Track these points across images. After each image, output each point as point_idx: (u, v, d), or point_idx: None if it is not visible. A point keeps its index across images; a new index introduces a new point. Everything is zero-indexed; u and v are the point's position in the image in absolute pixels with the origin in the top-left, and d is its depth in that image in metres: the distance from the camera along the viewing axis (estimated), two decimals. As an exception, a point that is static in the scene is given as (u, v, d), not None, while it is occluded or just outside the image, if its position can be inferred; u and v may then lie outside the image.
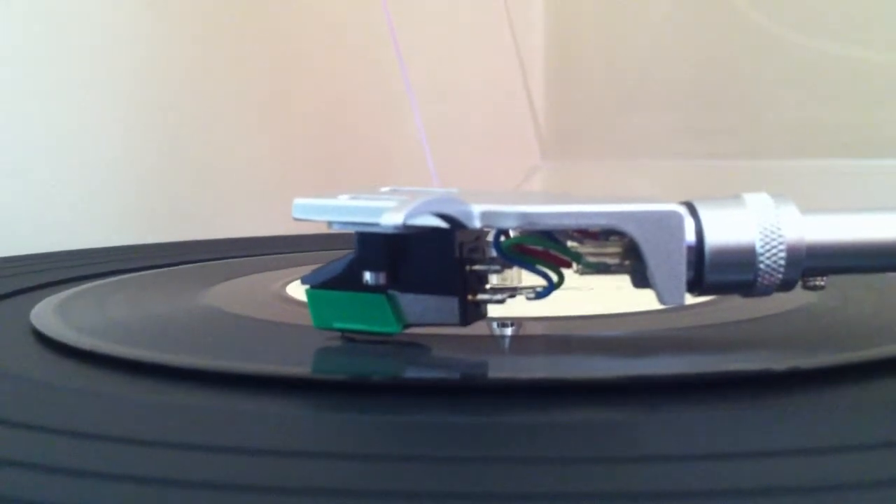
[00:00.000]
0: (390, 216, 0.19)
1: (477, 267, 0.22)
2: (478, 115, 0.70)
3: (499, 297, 0.22)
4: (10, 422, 0.18)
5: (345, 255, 0.23)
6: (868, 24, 0.51)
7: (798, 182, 0.51)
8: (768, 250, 0.21)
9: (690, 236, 0.21)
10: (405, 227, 0.19)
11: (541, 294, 0.22)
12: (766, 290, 0.21)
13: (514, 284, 0.25)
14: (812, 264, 0.21)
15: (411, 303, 0.22)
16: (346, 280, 0.22)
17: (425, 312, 0.22)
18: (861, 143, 0.51)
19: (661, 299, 0.21)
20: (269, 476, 0.15)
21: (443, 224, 0.20)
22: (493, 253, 0.22)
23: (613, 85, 0.67)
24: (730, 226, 0.21)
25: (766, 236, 0.21)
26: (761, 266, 0.21)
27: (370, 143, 0.64)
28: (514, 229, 0.21)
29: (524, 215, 0.20)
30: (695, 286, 0.21)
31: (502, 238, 0.22)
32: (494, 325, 0.25)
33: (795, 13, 0.54)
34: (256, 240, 0.54)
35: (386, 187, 0.23)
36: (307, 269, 0.23)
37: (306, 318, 0.23)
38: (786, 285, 0.21)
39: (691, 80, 0.61)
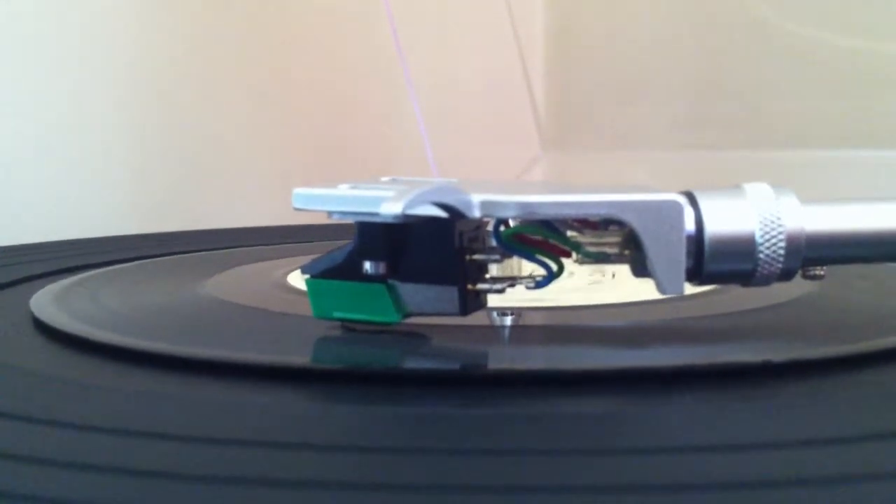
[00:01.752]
0: (390, 206, 0.19)
1: (477, 256, 0.22)
2: (478, 107, 0.69)
3: (498, 286, 0.22)
4: (9, 411, 0.18)
5: (345, 244, 0.23)
6: (868, 14, 0.51)
7: (798, 172, 0.51)
8: (768, 240, 0.21)
9: (690, 226, 0.21)
10: (405, 216, 0.19)
11: (540, 283, 0.22)
12: (766, 280, 0.21)
13: (514, 274, 0.25)
14: (812, 254, 0.21)
15: (411, 292, 0.22)
16: (346, 270, 0.23)
17: (425, 302, 0.22)
18: (861, 134, 0.51)
19: (660, 289, 0.21)
20: (266, 467, 0.15)
21: (442, 214, 0.20)
22: (493, 242, 0.22)
23: (613, 76, 0.67)
24: (730, 215, 0.21)
25: (766, 226, 0.21)
26: (761, 256, 0.21)
27: (370, 134, 0.64)
28: (513, 219, 0.21)
29: (524, 205, 0.20)
30: (694, 275, 0.21)
31: (502, 228, 0.22)
32: (494, 314, 0.25)
33: (796, 4, 0.54)
34: (257, 230, 0.53)
35: (386, 177, 0.23)
36: (307, 259, 0.23)
37: (306, 308, 0.24)
38: (785, 275, 0.21)
39: (691, 71, 0.61)
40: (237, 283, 0.33)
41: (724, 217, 0.21)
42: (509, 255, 0.22)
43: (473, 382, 0.20)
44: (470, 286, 0.22)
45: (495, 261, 0.22)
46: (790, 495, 0.14)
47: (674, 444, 0.16)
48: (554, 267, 0.22)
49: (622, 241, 0.21)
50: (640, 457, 0.15)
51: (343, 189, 0.21)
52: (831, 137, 0.52)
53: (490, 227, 0.22)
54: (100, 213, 0.53)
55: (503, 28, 0.70)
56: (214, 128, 0.58)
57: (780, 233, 0.21)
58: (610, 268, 0.30)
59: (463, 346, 0.23)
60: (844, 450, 0.16)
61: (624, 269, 0.22)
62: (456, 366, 0.22)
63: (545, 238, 0.22)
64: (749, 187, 0.21)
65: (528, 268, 0.23)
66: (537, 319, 0.26)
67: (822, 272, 0.22)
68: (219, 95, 0.58)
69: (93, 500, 0.14)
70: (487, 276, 0.23)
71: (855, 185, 0.49)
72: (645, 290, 0.22)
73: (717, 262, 0.21)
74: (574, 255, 0.22)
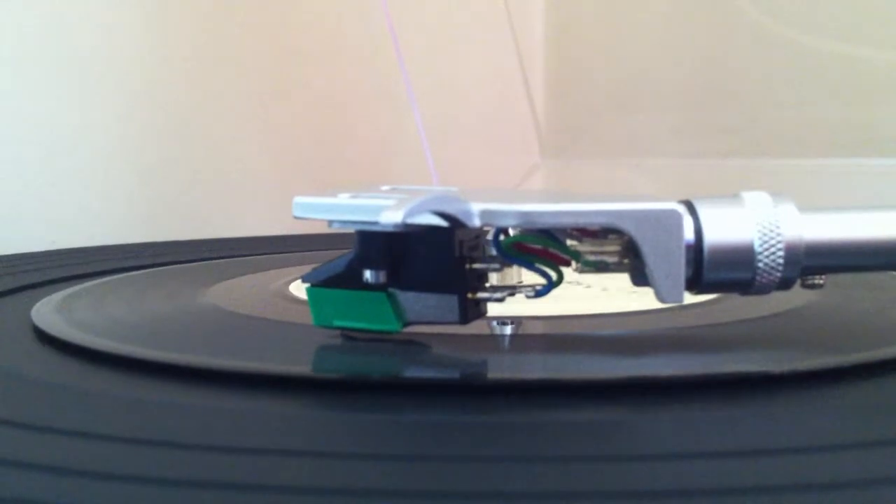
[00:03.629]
0: (390, 214, 0.19)
1: (477, 265, 0.22)
2: (478, 114, 0.70)
3: (498, 295, 0.22)
4: (10, 419, 0.18)
5: (345, 253, 0.23)
6: (867, 22, 0.51)
7: (797, 181, 0.51)
8: (767, 249, 0.21)
9: (689, 235, 0.21)
10: (405, 225, 0.19)
11: (540, 292, 0.22)
12: (765, 289, 0.21)
13: (514, 283, 0.25)
14: (811, 263, 0.21)
15: (411, 301, 0.22)
16: (346, 278, 0.23)
17: (425, 311, 0.22)
18: (860, 142, 0.51)
19: (659, 298, 0.21)
20: (268, 475, 0.15)
21: (442, 223, 0.20)
22: (493, 251, 0.22)
23: (613, 83, 0.67)
24: (728, 224, 0.21)
25: (765, 235, 0.21)
26: (760, 265, 0.21)
27: (370, 141, 0.64)
28: (513, 228, 0.22)
29: (523, 214, 0.20)
30: (693, 284, 0.21)
31: (502, 236, 0.22)
32: (494, 323, 0.25)
33: (795, 11, 0.54)
34: (257, 239, 0.54)
35: (386, 186, 0.23)
36: (308, 268, 0.24)
37: (307, 317, 0.24)
38: (784, 284, 0.21)
39: (690, 79, 0.61)
40: (238, 292, 0.33)
41: (723, 226, 0.21)
42: (509, 264, 0.22)
43: (473, 391, 0.20)
44: (470, 295, 0.22)
45: (495, 269, 0.22)
46: (789, 503, 0.14)
47: (673, 452, 0.16)
48: (553, 275, 0.22)
49: (621, 249, 0.21)
50: (638, 465, 0.15)
51: (343, 198, 0.21)
52: (830, 146, 0.52)
53: (490, 236, 0.22)
54: (100, 223, 0.54)
55: (503, 36, 0.70)
56: (215, 137, 0.59)
57: (779, 241, 0.21)
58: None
59: (463, 354, 0.23)
60: (844, 458, 0.16)
61: (623, 279, 0.22)
62: (456, 374, 0.22)
63: (545, 247, 0.22)
64: (748, 196, 0.21)
65: (528, 276, 0.23)
66: (537, 328, 0.26)
67: (821, 281, 0.22)
68: (220, 105, 0.59)
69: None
70: (487, 284, 0.23)
71: (854, 193, 0.49)
72: (644, 299, 0.22)
73: (716, 270, 0.21)
74: (573, 263, 0.22)
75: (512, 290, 0.23)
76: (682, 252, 0.20)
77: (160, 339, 0.25)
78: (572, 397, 0.19)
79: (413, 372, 0.22)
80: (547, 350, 0.24)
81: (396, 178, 0.25)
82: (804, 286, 0.22)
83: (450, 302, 0.22)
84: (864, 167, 0.50)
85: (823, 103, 0.53)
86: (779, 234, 0.21)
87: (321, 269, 0.23)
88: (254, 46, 0.60)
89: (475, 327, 0.23)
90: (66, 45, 0.52)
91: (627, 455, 0.16)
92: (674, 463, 0.15)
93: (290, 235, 0.53)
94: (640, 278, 0.21)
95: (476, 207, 0.20)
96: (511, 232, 0.22)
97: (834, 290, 0.26)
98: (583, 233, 0.22)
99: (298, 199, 0.21)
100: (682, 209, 0.21)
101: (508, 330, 0.25)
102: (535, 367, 0.23)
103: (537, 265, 0.22)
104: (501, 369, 0.22)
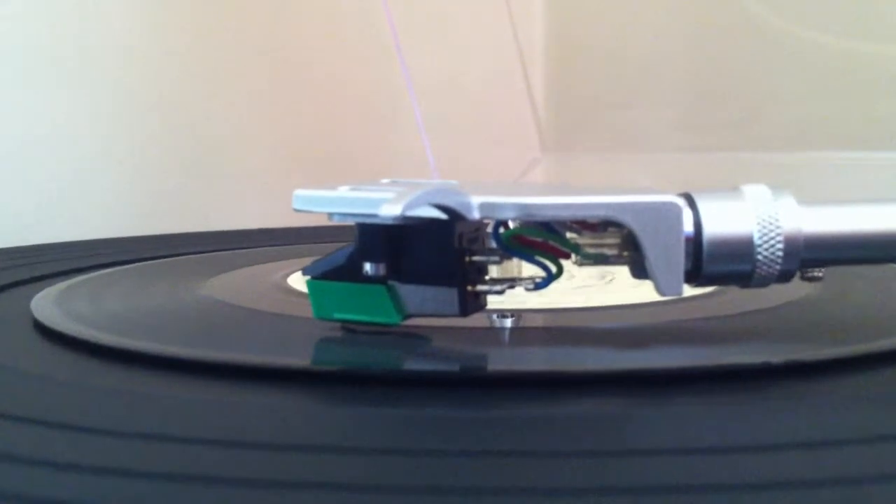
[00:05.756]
0: (389, 207, 0.19)
1: (476, 258, 0.22)
2: (478, 108, 0.70)
3: (498, 288, 0.22)
4: (9, 413, 0.18)
5: (345, 246, 0.23)
6: (868, 16, 0.51)
7: (796, 174, 0.51)
8: (766, 241, 0.21)
9: (689, 227, 0.21)
10: (404, 218, 0.19)
11: (540, 285, 0.22)
12: (764, 282, 0.21)
13: (514, 275, 0.25)
14: (810, 255, 0.21)
15: (411, 294, 0.22)
16: (346, 271, 0.23)
17: (425, 303, 0.22)
18: (859, 136, 0.51)
19: (659, 290, 0.21)
20: (267, 469, 0.15)
21: (442, 215, 0.20)
22: (493, 244, 0.22)
23: (613, 78, 0.67)
24: (728, 217, 0.21)
25: (764, 227, 0.21)
26: (759, 257, 0.21)
27: (370, 136, 0.64)
28: (513, 220, 0.22)
29: (523, 206, 0.20)
30: (693, 277, 0.21)
31: (501, 229, 0.22)
32: (494, 316, 0.25)
33: (796, 6, 0.54)
34: (257, 231, 0.54)
35: (386, 179, 0.23)
36: (308, 261, 0.24)
37: (307, 309, 0.24)
38: (784, 276, 0.21)
39: (691, 73, 0.61)
40: (238, 284, 0.33)
41: (723, 218, 0.21)
42: (509, 257, 0.22)
43: (473, 384, 0.20)
44: (470, 287, 0.22)
45: (495, 262, 0.22)
46: (788, 496, 0.14)
47: (673, 445, 0.16)
48: (553, 268, 0.22)
49: (621, 242, 0.21)
50: (638, 458, 0.15)
51: (343, 191, 0.21)
52: (829, 139, 0.52)
53: (490, 229, 0.22)
54: (100, 216, 0.54)
55: (503, 30, 0.70)
56: (214, 129, 0.58)
57: (778, 234, 0.21)
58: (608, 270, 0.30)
59: (463, 347, 0.23)
60: (844, 451, 0.16)
61: (623, 271, 0.22)
62: (455, 367, 0.22)
63: (544, 239, 0.22)
64: (747, 189, 0.21)
65: (528, 269, 0.23)
66: (537, 321, 0.26)
67: (820, 274, 0.22)
68: (218, 97, 0.58)
69: (93, 502, 0.14)
70: (487, 277, 0.23)
71: (853, 186, 0.49)
72: (644, 292, 0.22)
73: (716, 263, 0.21)
74: (573, 256, 0.22)
75: (511, 282, 0.23)
76: (682, 244, 0.20)
77: (159, 333, 0.25)
78: (572, 390, 0.19)
79: (413, 365, 0.22)
80: (546, 343, 0.24)
81: (396, 172, 0.25)
82: (803, 279, 0.22)
83: (449, 294, 0.22)
84: (864, 161, 0.50)
85: (824, 97, 0.53)
86: (778, 227, 0.21)
87: (321, 261, 0.23)
88: (254, 41, 0.60)
89: (475, 320, 0.23)
90: (65, 41, 0.52)
91: (627, 449, 0.16)
92: (673, 456, 0.15)
93: (290, 228, 0.53)
94: (639, 271, 0.21)
95: (476, 200, 0.20)
96: (511, 225, 0.22)
97: (833, 282, 0.27)
98: (582, 225, 0.22)
99: (298, 192, 0.21)
100: (681, 202, 0.21)
101: (508, 322, 0.25)
102: (535, 360, 0.23)
103: (537, 258, 0.22)
104: (501, 362, 0.22)
